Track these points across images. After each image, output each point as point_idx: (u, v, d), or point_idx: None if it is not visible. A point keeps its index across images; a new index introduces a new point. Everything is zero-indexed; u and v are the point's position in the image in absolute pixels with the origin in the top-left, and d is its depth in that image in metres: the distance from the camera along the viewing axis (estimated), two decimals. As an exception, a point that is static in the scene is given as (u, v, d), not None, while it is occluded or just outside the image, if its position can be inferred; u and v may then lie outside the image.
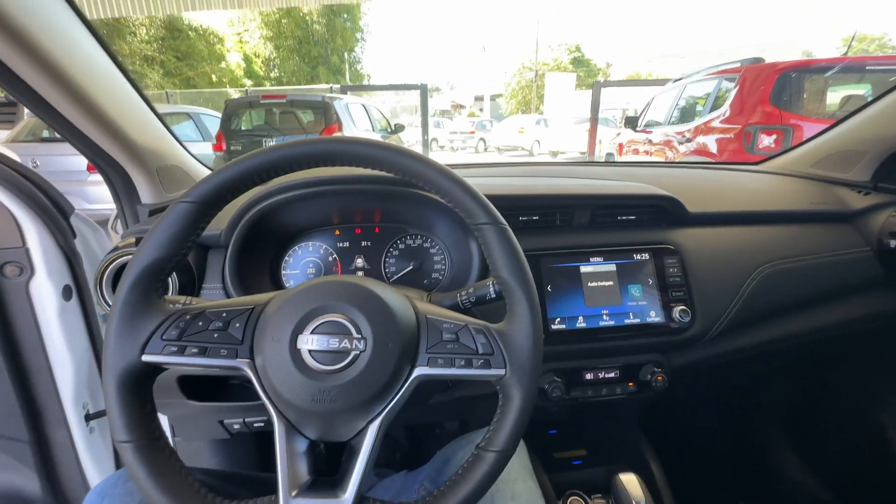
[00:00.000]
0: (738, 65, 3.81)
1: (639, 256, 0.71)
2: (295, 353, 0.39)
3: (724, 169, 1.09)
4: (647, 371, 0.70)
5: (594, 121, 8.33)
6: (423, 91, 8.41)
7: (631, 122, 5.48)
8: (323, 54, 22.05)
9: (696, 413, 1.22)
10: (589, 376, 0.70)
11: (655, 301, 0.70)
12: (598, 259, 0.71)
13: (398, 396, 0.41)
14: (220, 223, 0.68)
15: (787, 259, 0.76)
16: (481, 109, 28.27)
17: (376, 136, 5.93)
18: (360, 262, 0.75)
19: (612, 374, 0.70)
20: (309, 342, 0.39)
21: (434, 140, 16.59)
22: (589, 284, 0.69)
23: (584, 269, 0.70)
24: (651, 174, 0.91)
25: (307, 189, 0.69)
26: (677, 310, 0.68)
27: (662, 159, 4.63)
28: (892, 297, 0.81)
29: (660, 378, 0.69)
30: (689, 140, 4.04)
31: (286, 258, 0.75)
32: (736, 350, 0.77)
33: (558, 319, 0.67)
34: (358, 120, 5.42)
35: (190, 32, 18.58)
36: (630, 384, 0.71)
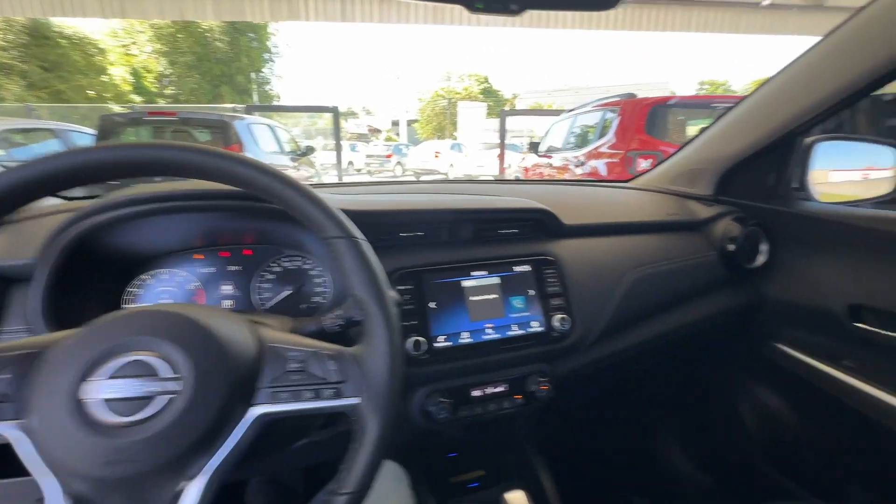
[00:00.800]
0: (618, 98, 4.35)
1: (520, 268, 0.73)
2: (77, 406, 0.31)
3: (600, 186, 1.18)
4: (532, 381, 0.70)
5: (502, 146, 8.87)
6: (336, 114, 8.29)
7: (534, 148, 5.93)
8: (227, 73, 20.79)
9: (586, 420, 1.28)
10: (476, 393, 0.68)
11: (537, 311, 0.71)
12: (482, 272, 0.70)
13: (232, 444, 0.34)
14: (28, 248, 0.55)
15: (650, 265, 0.83)
16: (398, 134, 28.68)
17: (284, 159, 5.65)
18: (227, 289, 0.67)
19: (499, 389, 0.69)
20: (101, 390, 0.32)
21: (350, 163, 16.34)
22: (472, 298, 0.68)
23: (465, 283, 0.69)
24: (535, 191, 0.95)
25: (154, 204, 0.59)
26: (557, 318, 0.70)
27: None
28: (733, 294, 0.93)
29: (543, 388, 0.70)
30: (583, 164, 4.47)
31: (133, 290, 0.63)
32: (614, 353, 0.81)
33: (443, 337, 0.65)
34: (262, 141, 5.12)
35: (61, 40, 16.33)
36: (517, 397, 0.70)
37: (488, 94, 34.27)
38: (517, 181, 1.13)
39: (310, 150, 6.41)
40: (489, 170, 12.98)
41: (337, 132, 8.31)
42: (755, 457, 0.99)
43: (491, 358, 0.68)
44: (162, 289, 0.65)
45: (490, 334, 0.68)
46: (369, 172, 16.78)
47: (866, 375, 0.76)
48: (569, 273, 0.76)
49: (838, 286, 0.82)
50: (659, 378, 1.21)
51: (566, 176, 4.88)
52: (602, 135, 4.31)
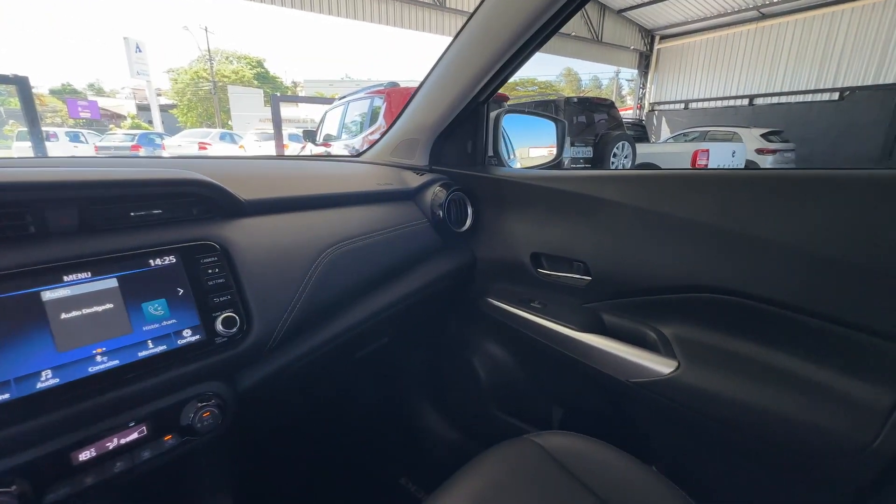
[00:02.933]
0: (383, 87, 4.47)
1: (158, 261, 0.53)
2: None
3: (326, 161, 1.07)
4: (189, 410, 0.52)
5: (278, 134, 8.13)
6: (24, 86, 5.87)
7: (310, 136, 5.60)
8: None
9: (320, 421, 1.18)
10: (86, 455, 0.45)
11: (192, 315, 0.53)
12: (82, 275, 0.47)
13: None
14: None
15: (354, 238, 0.76)
16: (150, 121, 22.96)
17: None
18: None
19: (133, 436, 0.48)
20: None
21: (72, 158, 12.18)
22: (63, 317, 0.45)
23: (49, 295, 0.45)
24: (227, 165, 0.75)
25: None
26: (221, 319, 0.54)
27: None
28: (448, 258, 0.96)
29: (206, 415, 0.52)
30: (359, 150, 4.44)
31: None
32: (326, 341, 0.71)
33: None
34: None
35: None
36: (167, 437, 0.51)
37: (264, 79, 31.12)
38: (227, 157, 0.89)
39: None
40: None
41: (30, 115, 5.91)
42: (488, 403, 1.08)
43: (110, 396, 0.46)
44: None
45: (102, 363, 0.46)
46: (107, 170, 12.86)
47: (547, 313, 0.87)
48: (243, 260, 0.60)
49: (522, 239, 0.92)
50: (401, 351, 1.21)
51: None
52: (373, 121, 4.37)
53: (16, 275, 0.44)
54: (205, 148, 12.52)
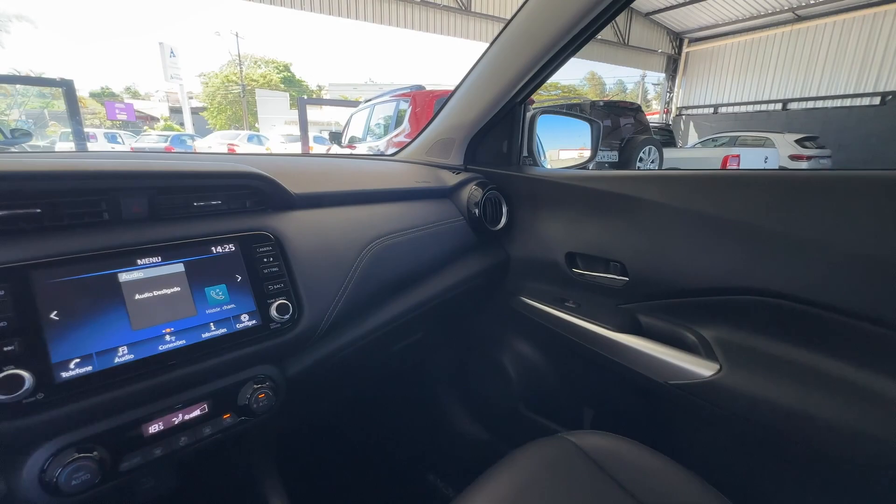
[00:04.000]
0: (409, 90, 4.52)
1: (220, 249, 0.56)
2: None
3: (363, 158, 1.10)
4: (246, 391, 0.55)
5: (304, 136, 8.32)
6: (70, 89, 6.22)
7: (335, 138, 5.71)
8: None
9: (359, 410, 1.20)
10: (155, 428, 0.48)
11: (248, 300, 0.56)
12: (153, 259, 0.50)
13: None
14: None
15: (395, 234, 0.78)
16: (181, 123, 23.81)
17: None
18: None
19: (195, 413, 0.51)
20: None
21: (139, 152, 12.74)
22: (137, 297, 0.48)
23: (124, 277, 0.48)
24: (277, 161, 0.78)
25: None
26: (275, 305, 0.56)
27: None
28: (483, 255, 0.97)
29: (261, 396, 0.55)
30: (383, 152, 4.50)
31: None
32: (368, 332, 0.73)
33: (75, 361, 0.43)
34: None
35: None
36: (226, 416, 0.54)
37: (290, 83, 31.91)
38: (269, 154, 0.93)
39: (20, 133, 4.61)
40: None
41: (74, 116, 6.24)
42: (518, 402, 1.08)
43: (177, 373, 0.49)
44: None
45: (171, 342, 0.49)
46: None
47: (581, 313, 0.87)
48: (294, 250, 0.62)
49: (557, 238, 0.93)
50: (432, 347, 1.22)
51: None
52: (398, 123, 4.43)
53: (96, 257, 0.47)
54: (233, 150, 12.90)
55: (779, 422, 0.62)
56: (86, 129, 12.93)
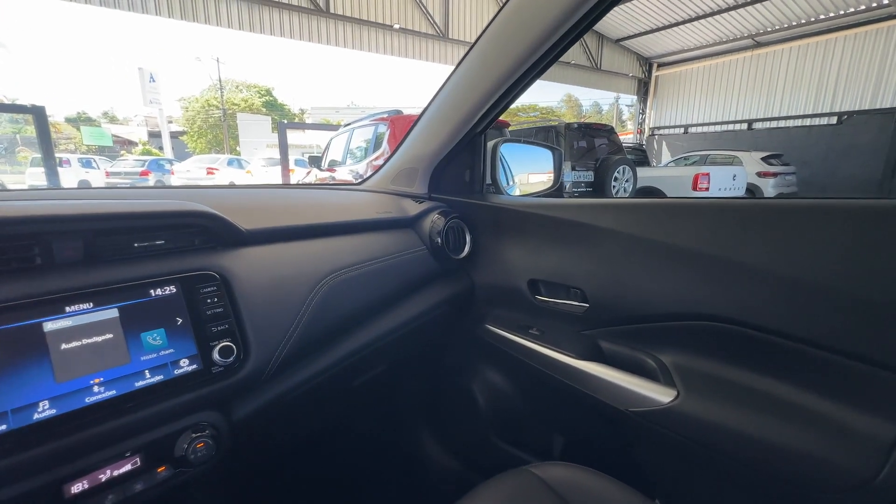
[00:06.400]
0: (387, 114, 4.59)
1: (159, 291, 0.54)
2: None
3: (328, 189, 1.09)
4: (184, 441, 0.52)
5: (284, 161, 8.31)
6: (41, 116, 6.08)
7: (315, 162, 5.72)
8: None
9: (318, 449, 1.16)
10: (78, 487, 0.45)
11: (189, 345, 0.53)
12: (84, 306, 0.48)
13: None
14: None
15: (352, 266, 0.77)
16: (160, 148, 23.42)
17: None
18: None
19: (125, 468, 0.48)
20: None
21: (84, 183, 12.42)
22: (63, 347, 0.46)
23: (50, 326, 0.46)
24: (233, 195, 0.77)
25: None
26: (218, 348, 0.54)
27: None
28: (446, 284, 0.97)
29: (200, 445, 0.52)
30: (363, 176, 4.53)
31: None
32: (323, 370, 0.71)
33: None
34: None
35: None
36: (161, 469, 0.51)
37: (272, 107, 31.99)
38: (225, 187, 0.91)
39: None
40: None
41: (45, 142, 6.09)
42: (488, 431, 1.06)
43: (106, 426, 0.46)
44: None
45: (98, 394, 0.46)
46: (117, 194, 13.09)
47: (545, 340, 0.87)
48: (242, 289, 0.60)
49: (520, 265, 0.93)
50: (399, 379, 1.20)
51: (350, 189, 4.85)
52: (377, 147, 4.46)
53: (20, 306, 0.45)
54: (212, 172, 12.76)
55: (735, 447, 0.62)
56: (60, 155, 12.61)
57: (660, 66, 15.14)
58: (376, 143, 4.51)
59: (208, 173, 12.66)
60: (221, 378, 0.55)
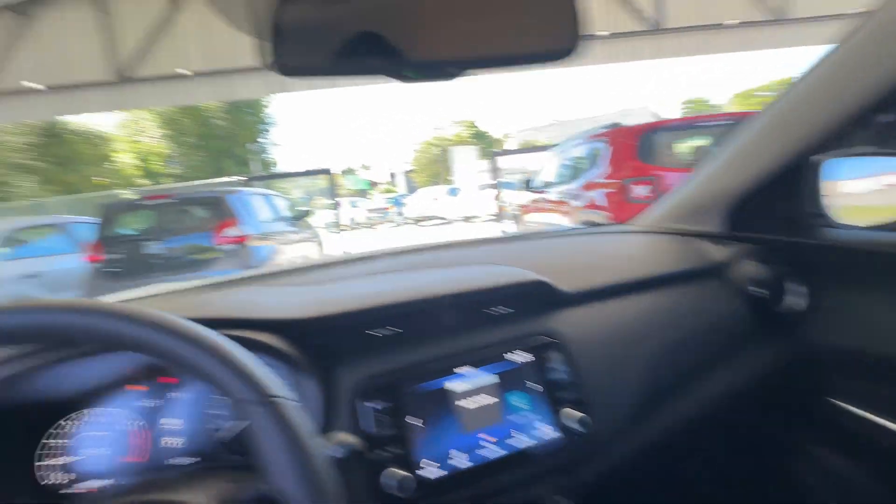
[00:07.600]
0: (604, 130, 4.38)
1: (516, 357, 0.61)
2: None
3: (597, 234, 1.08)
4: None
5: (495, 186, 8.96)
6: (329, 175, 8.53)
7: (528, 185, 5.94)
8: (227, 147, 21.65)
9: None
10: None
11: (543, 410, 0.58)
12: (468, 368, 0.58)
13: None
14: None
15: (669, 325, 0.71)
16: (396, 185, 29.25)
17: (281, 225, 5.68)
18: (175, 425, 0.55)
19: None
20: None
21: (352, 219, 16.56)
22: (460, 404, 0.56)
23: (451, 385, 0.57)
24: (521, 250, 0.85)
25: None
26: (570, 415, 0.57)
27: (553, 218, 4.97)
28: (770, 346, 0.79)
29: None
30: (579, 196, 4.43)
31: (52, 442, 0.52)
32: (646, 443, 0.67)
33: (433, 464, 0.52)
34: (258, 211, 5.16)
35: (70, 136, 17.30)
36: None
37: (478, 137, 35.37)
38: (499, 239, 1.02)
39: (302, 213, 6.47)
40: (486, 210, 13.07)
41: (332, 192, 8.51)
42: None
43: (491, 482, 0.54)
44: (91, 434, 0.53)
45: (489, 449, 0.55)
46: (371, 226, 16.94)
47: None
48: (578, 354, 0.63)
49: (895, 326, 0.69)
50: (710, 458, 1.04)
51: (564, 209, 4.82)
52: (594, 165, 4.30)
53: (431, 368, 0.57)
54: (437, 200, 15.07)
55: None
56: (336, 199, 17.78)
57: None
58: (593, 161, 4.35)
59: (433, 201, 14.97)
60: (574, 444, 0.57)
